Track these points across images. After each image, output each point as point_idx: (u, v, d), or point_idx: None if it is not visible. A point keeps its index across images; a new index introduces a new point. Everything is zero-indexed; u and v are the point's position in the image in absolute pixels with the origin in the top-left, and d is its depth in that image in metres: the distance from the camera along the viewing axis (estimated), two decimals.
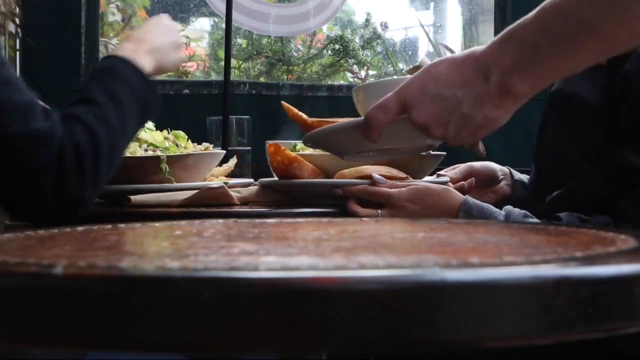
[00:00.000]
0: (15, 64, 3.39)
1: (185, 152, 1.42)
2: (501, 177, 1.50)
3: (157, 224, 0.78)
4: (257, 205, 1.35)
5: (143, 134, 1.43)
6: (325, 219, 0.80)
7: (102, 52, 3.06)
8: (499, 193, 1.47)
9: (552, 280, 0.41)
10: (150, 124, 1.48)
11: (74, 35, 2.49)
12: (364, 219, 0.82)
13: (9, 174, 1.01)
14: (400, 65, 3.26)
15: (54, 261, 0.45)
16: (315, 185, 1.31)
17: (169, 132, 1.48)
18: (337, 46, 3.12)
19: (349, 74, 3.24)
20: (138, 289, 0.39)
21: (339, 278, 0.39)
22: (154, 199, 1.29)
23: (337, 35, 3.18)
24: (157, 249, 0.60)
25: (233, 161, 1.57)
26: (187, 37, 3.42)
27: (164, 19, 1.31)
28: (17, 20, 3.13)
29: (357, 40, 3.16)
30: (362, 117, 0.94)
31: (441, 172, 1.50)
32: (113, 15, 3.48)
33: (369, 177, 1.25)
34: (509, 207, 1.19)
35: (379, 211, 1.23)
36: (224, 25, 2.48)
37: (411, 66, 1.29)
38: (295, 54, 3.16)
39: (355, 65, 3.19)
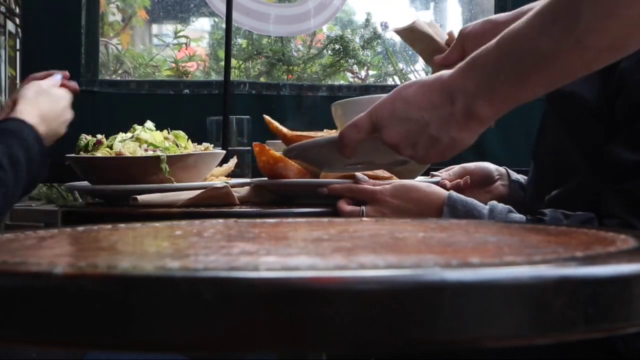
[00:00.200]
0: (15, 64, 3.39)
1: (185, 152, 1.42)
2: (497, 177, 1.50)
3: (157, 224, 0.78)
4: (253, 205, 1.35)
5: (143, 134, 1.43)
6: (325, 219, 0.80)
7: (102, 52, 3.06)
8: (494, 193, 1.47)
9: (552, 280, 0.41)
10: (150, 124, 1.48)
11: (74, 35, 2.49)
12: (364, 219, 0.82)
13: None
14: (400, 65, 3.26)
15: (54, 261, 0.45)
16: (301, 185, 1.32)
17: (169, 132, 1.48)
18: (337, 46, 3.12)
19: (349, 74, 3.24)
20: (138, 289, 0.39)
21: (339, 278, 0.39)
22: (158, 198, 1.29)
23: (337, 35, 3.18)
24: (157, 249, 0.60)
25: (233, 161, 1.57)
26: (187, 37, 3.42)
27: (51, 82, 1.27)
28: (17, 20, 3.14)
29: (357, 40, 3.16)
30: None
31: (435, 173, 1.50)
32: (113, 15, 3.48)
33: (352, 176, 1.27)
34: (493, 202, 1.20)
35: (363, 208, 1.24)
36: (224, 25, 2.48)
37: (404, 26, 1.32)
38: (295, 54, 3.16)
39: (355, 65, 3.19)
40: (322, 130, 1.44)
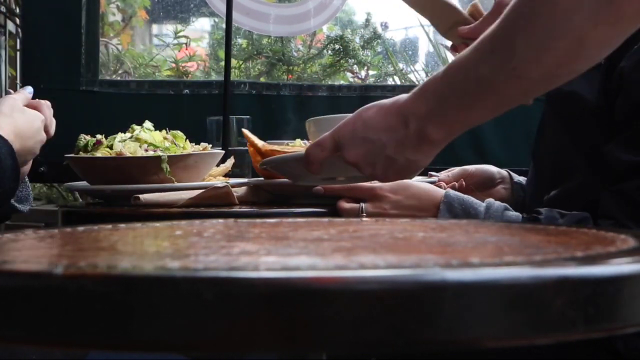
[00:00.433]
0: (15, 64, 3.39)
1: (185, 152, 1.42)
2: (498, 180, 1.50)
3: (157, 224, 0.78)
4: (252, 205, 1.35)
5: (142, 134, 1.43)
6: (325, 219, 0.80)
7: (102, 52, 3.06)
8: (495, 196, 1.47)
9: (552, 280, 0.41)
10: (148, 124, 1.48)
11: (74, 35, 2.49)
12: (364, 219, 0.82)
13: None
14: (401, 66, 3.26)
15: (54, 261, 0.45)
16: (297, 185, 1.33)
17: (167, 132, 1.48)
18: (337, 46, 3.12)
19: (349, 74, 3.24)
20: (138, 289, 0.39)
21: (339, 278, 0.39)
22: (159, 198, 1.29)
23: (337, 35, 3.18)
24: (157, 249, 0.60)
25: (230, 161, 1.57)
26: (187, 37, 3.42)
27: (23, 96, 1.22)
28: (17, 20, 3.13)
29: (357, 40, 3.16)
30: None
31: (434, 174, 1.50)
32: (113, 15, 3.48)
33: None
34: (490, 200, 1.20)
35: (362, 205, 1.24)
36: (224, 25, 2.48)
37: (469, 6, 1.31)
38: (295, 54, 3.16)
39: (355, 65, 3.19)
40: (294, 139, 1.46)
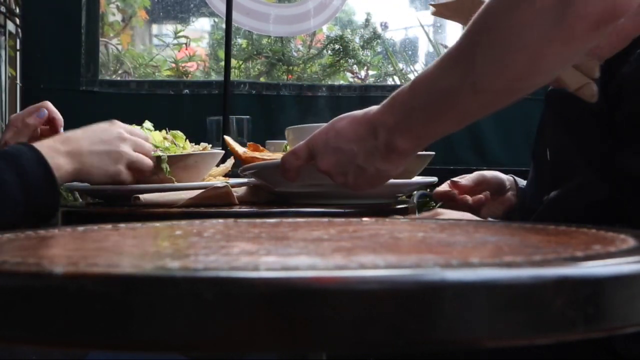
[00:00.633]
0: (15, 64, 3.39)
1: (185, 152, 1.42)
2: (508, 187, 1.50)
3: (157, 224, 0.78)
4: (252, 205, 1.35)
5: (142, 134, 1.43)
6: (325, 219, 0.80)
7: (102, 52, 3.07)
8: (506, 204, 1.47)
9: (552, 280, 0.41)
10: (148, 124, 1.48)
11: (74, 35, 2.50)
12: (364, 219, 0.82)
13: None
14: (400, 66, 3.26)
15: (54, 261, 0.45)
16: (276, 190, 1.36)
17: (167, 132, 1.48)
18: (337, 46, 3.13)
19: (349, 74, 3.24)
20: (138, 289, 0.39)
21: (339, 278, 0.39)
22: (159, 198, 1.29)
23: (337, 35, 3.18)
24: (157, 249, 0.60)
25: (230, 161, 1.57)
26: (187, 37, 3.42)
27: (114, 126, 1.22)
28: (17, 20, 3.13)
29: (357, 40, 3.17)
30: None
31: (455, 179, 1.49)
32: (113, 15, 3.49)
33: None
34: None
35: None
36: (224, 25, 2.48)
37: None
38: (295, 54, 3.16)
39: (355, 65, 3.19)
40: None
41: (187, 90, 2.58)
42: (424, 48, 3.42)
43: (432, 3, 1.17)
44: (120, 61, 3.38)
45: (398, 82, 3.11)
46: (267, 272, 0.39)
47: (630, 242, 0.54)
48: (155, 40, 3.84)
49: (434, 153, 1.43)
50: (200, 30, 3.78)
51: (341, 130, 0.98)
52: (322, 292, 0.38)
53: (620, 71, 1.11)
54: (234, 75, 2.93)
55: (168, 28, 3.56)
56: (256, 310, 0.38)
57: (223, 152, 1.51)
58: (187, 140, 1.50)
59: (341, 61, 3.14)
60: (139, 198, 1.28)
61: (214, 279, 0.39)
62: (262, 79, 3.09)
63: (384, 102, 0.94)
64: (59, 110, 1.35)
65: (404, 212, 1.42)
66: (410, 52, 3.47)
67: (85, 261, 0.48)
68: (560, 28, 0.76)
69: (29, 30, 2.62)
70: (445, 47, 3.05)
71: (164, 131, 1.48)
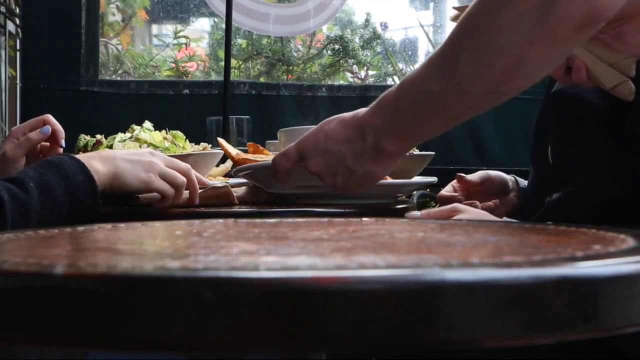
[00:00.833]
0: (15, 64, 3.39)
1: (184, 152, 1.42)
2: (510, 187, 1.50)
3: (157, 224, 0.78)
4: (252, 205, 1.35)
5: (142, 134, 1.43)
6: (325, 219, 0.80)
7: (102, 52, 3.06)
8: (508, 205, 1.47)
9: (552, 280, 0.41)
10: (148, 124, 1.48)
11: (74, 35, 2.50)
12: (364, 219, 0.82)
13: None
14: (400, 66, 3.26)
15: (54, 261, 0.45)
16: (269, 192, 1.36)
17: (167, 132, 1.48)
18: (337, 46, 3.13)
19: (348, 74, 3.24)
20: (138, 289, 0.39)
21: (339, 278, 0.39)
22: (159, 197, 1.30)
23: (337, 35, 3.18)
24: (157, 249, 0.60)
25: (230, 161, 1.57)
26: (187, 37, 3.42)
27: (145, 150, 1.26)
28: (17, 20, 3.13)
29: (356, 40, 3.17)
30: None
31: (462, 174, 1.49)
32: (113, 15, 3.49)
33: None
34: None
35: None
36: (224, 25, 2.48)
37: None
38: (295, 54, 3.16)
39: (355, 65, 3.19)
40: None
41: (187, 90, 2.58)
42: (423, 48, 3.42)
43: (456, 6, 1.17)
44: (120, 61, 3.38)
45: (398, 82, 3.11)
46: (267, 272, 0.39)
47: (630, 242, 0.54)
48: (155, 40, 3.84)
49: (433, 153, 1.43)
50: (200, 30, 3.78)
51: (330, 132, 0.99)
52: (322, 292, 0.38)
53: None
54: (234, 75, 2.93)
55: (168, 28, 3.56)
56: (256, 310, 0.38)
57: (223, 152, 1.51)
58: (187, 140, 1.50)
59: (341, 61, 3.14)
60: (139, 198, 1.28)
61: (214, 279, 0.39)
62: (262, 79, 3.09)
63: (372, 104, 0.94)
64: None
65: (403, 212, 1.42)
66: (410, 52, 3.47)
67: (85, 261, 0.48)
68: (542, 31, 0.76)
69: (29, 30, 2.63)
70: None
71: (164, 131, 1.48)
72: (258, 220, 0.77)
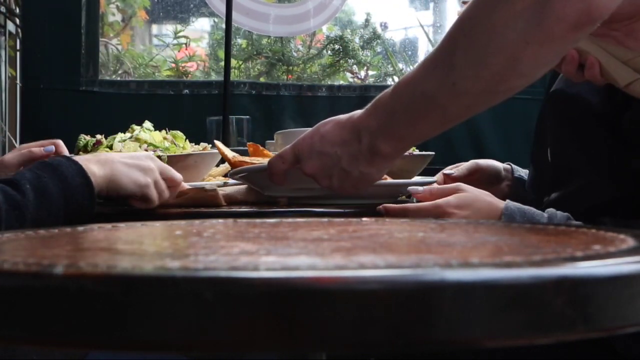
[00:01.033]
0: (15, 64, 3.39)
1: (184, 152, 1.42)
2: (503, 175, 1.48)
3: (157, 224, 0.78)
4: (252, 205, 1.35)
5: (142, 134, 1.43)
6: (325, 219, 0.80)
7: (102, 52, 3.06)
8: (500, 194, 1.45)
9: (551, 280, 0.41)
10: (148, 124, 1.48)
11: (74, 35, 2.50)
12: (364, 219, 0.82)
13: None
14: (400, 66, 3.26)
15: (54, 261, 0.45)
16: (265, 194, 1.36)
17: (167, 132, 1.48)
18: (336, 46, 3.13)
19: (348, 74, 3.24)
20: (138, 289, 0.39)
21: (339, 278, 0.39)
22: None
23: (336, 35, 3.18)
24: (157, 249, 0.60)
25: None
26: (187, 37, 3.42)
27: (140, 152, 1.27)
28: (17, 20, 3.13)
29: (356, 40, 3.16)
30: None
31: (446, 171, 1.48)
32: (113, 15, 3.49)
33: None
34: (551, 210, 1.16)
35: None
36: (224, 25, 2.48)
37: None
38: (295, 54, 3.16)
39: (355, 66, 3.19)
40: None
41: (187, 90, 2.58)
42: (423, 48, 3.42)
43: (466, 0, 1.15)
44: (120, 61, 3.38)
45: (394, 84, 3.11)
46: (267, 272, 0.39)
47: (630, 242, 0.54)
48: (155, 41, 3.84)
49: (433, 153, 1.43)
50: (200, 30, 3.78)
51: (326, 134, 0.99)
52: (322, 292, 0.38)
53: None
54: (234, 75, 2.93)
55: (168, 28, 3.56)
56: (256, 310, 0.38)
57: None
58: (187, 140, 1.50)
59: (341, 61, 3.14)
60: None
61: (214, 279, 0.39)
62: (262, 79, 3.09)
63: (368, 106, 0.94)
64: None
65: None
66: (410, 52, 3.47)
67: (85, 261, 0.48)
68: (538, 30, 0.76)
69: (29, 30, 2.62)
70: None
71: (164, 131, 1.48)
72: (258, 220, 0.78)
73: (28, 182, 1.05)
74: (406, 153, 1.00)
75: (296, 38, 3.21)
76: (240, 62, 3.14)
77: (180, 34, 3.33)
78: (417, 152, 1.44)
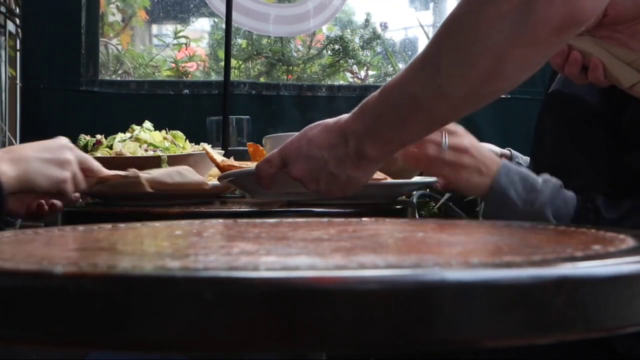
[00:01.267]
0: (15, 64, 3.39)
1: (184, 152, 1.42)
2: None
3: (157, 224, 0.78)
4: (252, 205, 1.35)
5: (142, 134, 1.43)
6: (325, 219, 0.80)
7: (102, 52, 3.06)
8: None
9: (551, 280, 0.41)
10: (148, 124, 1.48)
11: (74, 35, 2.50)
12: (364, 219, 0.82)
13: None
14: (400, 66, 3.26)
15: (54, 261, 0.45)
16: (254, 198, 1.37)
17: (167, 132, 1.48)
18: (336, 46, 3.13)
19: (348, 74, 3.24)
20: (138, 289, 0.39)
21: (339, 278, 0.39)
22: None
23: (336, 35, 3.18)
24: (157, 249, 0.60)
25: (230, 161, 1.57)
26: (187, 37, 3.42)
27: (59, 139, 1.22)
28: (17, 20, 3.13)
29: (356, 40, 3.17)
30: None
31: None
32: (113, 15, 3.49)
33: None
34: (546, 175, 1.15)
35: (445, 136, 1.15)
36: (224, 26, 2.48)
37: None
38: (295, 54, 3.16)
39: (355, 66, 3.19)
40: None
41: (187, 90, 2.58)
42: (423, 48, 3.42)
43: None
44: (120, 61, 3.38)
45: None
46: (267, 272, 0.39)
47: (630, 242, 0.54)
48: (155, 41, 3.84)
49: None
50: (200, 30, 3.78)
51: (313, 138, 0.99)
52: (322, 292, 0.38)
53: None
54: (234, 76, 2.93)
55: (168, 28, 3.56)
56: (256, 310, 0.38)
57: (223, 152, 1.51)
58: (187, 140, 1.50)
59: (341, 61, 3.14)
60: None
61: (214, 279, 0.39)
62: (262, 79, 3.09)
63: (355, 109, 0.94)
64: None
65: (403, 212, 1.42)
66: (410, 53, 3.47)
67: (85, 261, 0.48)
68: (522, 32, 0.76)
69: (29, 31, 2.62)
70: None
71: (164, 131, 1.48)
72: (258, 220, 0.78)
73: None
74: (389, 158, 0.99)
75: (296, 38, 3.21)
76: (240, 62, 3.14)
77: (180, 34, 3.33)
78: None
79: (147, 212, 1.26)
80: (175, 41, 3.34)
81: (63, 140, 1.22)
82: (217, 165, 1.36)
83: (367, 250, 0.53)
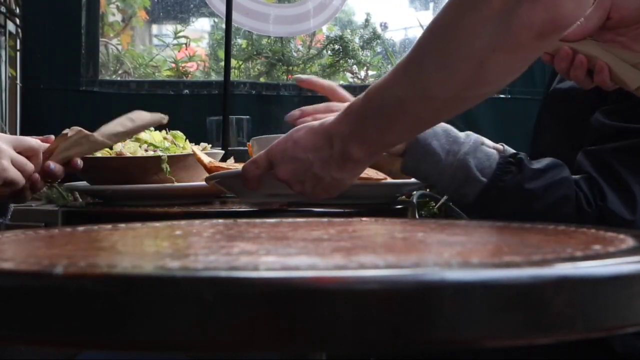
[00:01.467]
0: (15, 64, 3.39)
1: (185, 152, 1.42)
2: None
3: (157, 224, 0.78)
4: (252, 205, 1.35)
5: (142, 134, 1.43)
6: (324, 219, 0.80)
7: (102, 52, 3.06)
8: None
9: (551, 280, 0.41)
10: None
11: (74, 35, 2.49)
12: (364, 219, 0.82)
13: None
14: None
15: (54, 261, 0.45)
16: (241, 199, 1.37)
17: (167, 132, 1.48)
18: (336, 46, 3.12)
19: (348, 74, 3.24)
20: (138, 289, 0.39)
21: (339, 278, 0.39)
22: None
23: (336, 35, 3.18)
24: (157, 249, 0.60)
25: (230, 161, 1.57)
26: (187, 37, 3.42)
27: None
28: (17, 20, 3.13)
29: (356, 40, 3.16)
30: None
31: None
32: (113, 15, 3.48)
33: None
34: (469, 132, 1.17)
35: None
36: (224, 26, 2.48)
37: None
38: (295, 54, 3.16)
39: (355, 66, 3.19)
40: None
41: (187, 91, 2.58)
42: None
43: None
44: (120, 61, 3.38)
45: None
46: (267, 272, 0.39)
47: (630, 242, 0.55)
48: (155, 41, 3.84)
49: None
50: (200, 30, 3.78)
51: (299, 139, 0.99)
52: (322, 292, 0.38)
53: None
54: (234, 76, 2.93)
55: (168, 28, 3.56)
56: (256, 310, 0.38)
57: (223, 152, 1.51)
58: (187, 140, 1.50)
59: (341, 61, 3.14)
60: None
61: (214, 279, 0.39)
62: (262, 79, 3.09)
63: (340, 111, 0.95)
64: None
65: (403, 212, 1.42)
66: None
67: (85, 261, 0.48)
68: (504, 37, 0.77)
69: (29, 31, 2.62)
70: None
71: (164, 131, 1.48)
72: (258, 220, 0.78)
73: None
74: (375, 160, 0.99)
75: (296, 38, 3.21)
76: (240, 62, 3.14)
77: (180, 34, 3.33)
78: None
79: (147, 212, 1.26)
80: (175, 41, 3.34)
81: None
82: (204, 166, 1.36)
83: (367, 250, 0.53)
